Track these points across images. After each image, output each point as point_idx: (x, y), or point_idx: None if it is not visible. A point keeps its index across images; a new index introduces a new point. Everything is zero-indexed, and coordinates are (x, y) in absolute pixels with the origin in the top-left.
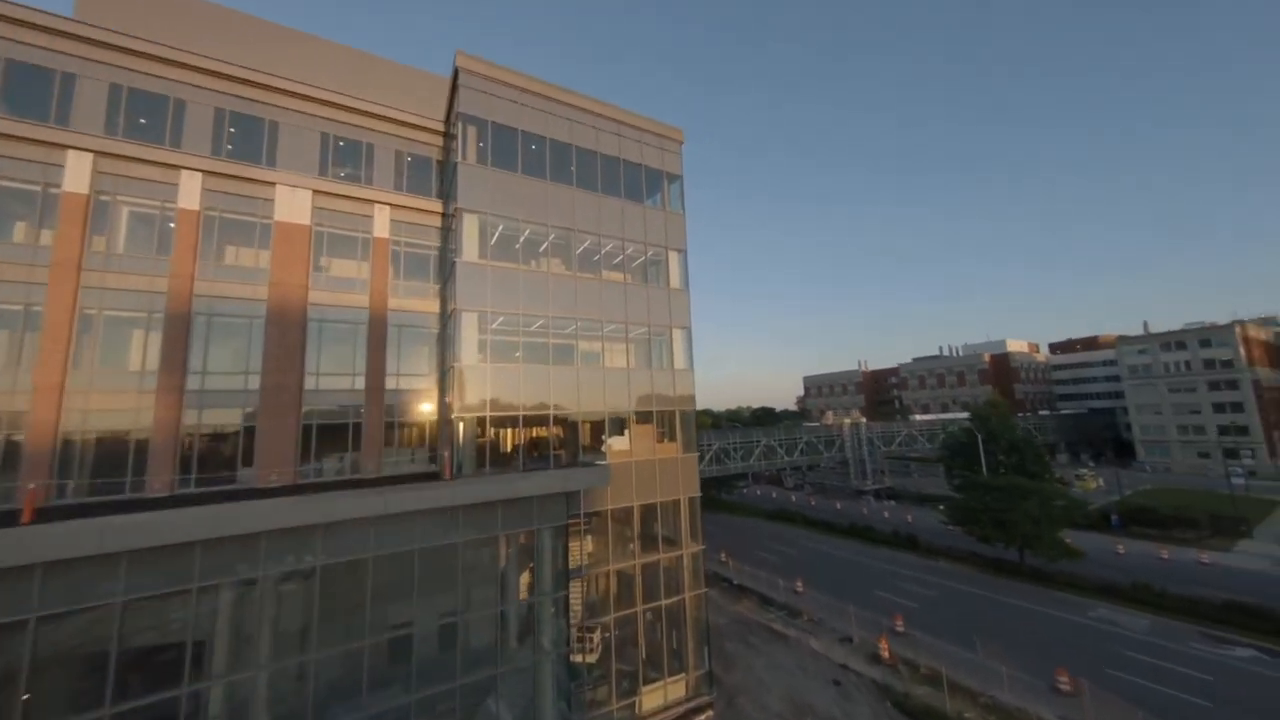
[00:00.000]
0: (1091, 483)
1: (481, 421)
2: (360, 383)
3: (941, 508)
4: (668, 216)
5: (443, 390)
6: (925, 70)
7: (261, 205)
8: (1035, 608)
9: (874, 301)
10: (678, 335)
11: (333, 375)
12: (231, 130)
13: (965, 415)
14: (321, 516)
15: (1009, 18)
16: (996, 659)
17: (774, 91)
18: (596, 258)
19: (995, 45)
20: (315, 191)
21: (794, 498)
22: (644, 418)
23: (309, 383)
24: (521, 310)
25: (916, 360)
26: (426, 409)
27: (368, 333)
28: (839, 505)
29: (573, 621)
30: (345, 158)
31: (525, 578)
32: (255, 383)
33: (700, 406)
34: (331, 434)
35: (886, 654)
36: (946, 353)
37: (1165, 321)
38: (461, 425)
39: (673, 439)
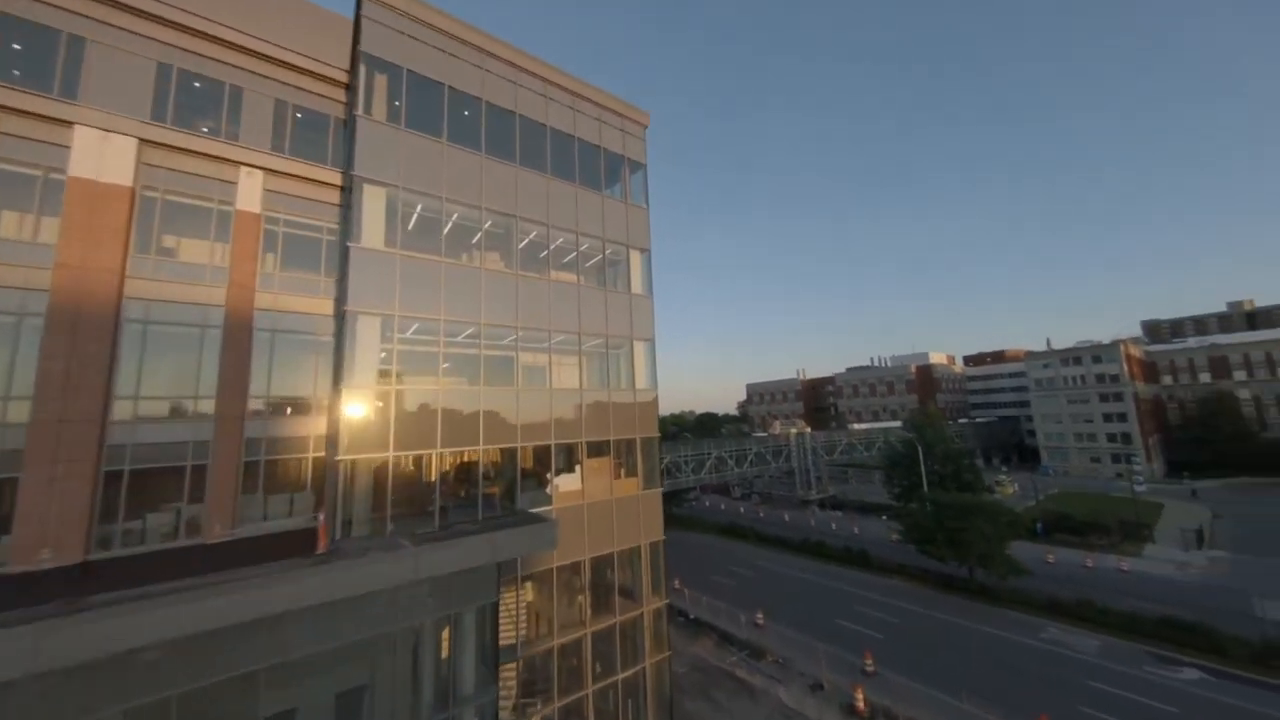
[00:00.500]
0: (1009, 488)
1: (383, 463)
2: (207, 408)
3: (895, 529)
4: (629, 210)
5: (333, 418)
6: (878, 71)
7: (51, 152)
8: (993, 631)
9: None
10: (639, 349)
11: (161, 399)
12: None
13: (898, 423)
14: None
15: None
16: (975, 702)
17: (714, 94)
18: (544, 254)
19: (982, 49)
20: (142, 141)
21: (742, 509)
22: (598, 449)
23: (120, 410)
24: (444, 315)
25: (850, 370)
26: (309, 442)
27: (222, 339)
28: (787, 517)
29: None
30: (197, 101)
31: (433, 678)
32: (27, 414)
33: None
34: (158, 481)
35: (862, 704)
36: (877, 363)
37: (1075, 333)
38: (354, 468)
39: (632, 473)
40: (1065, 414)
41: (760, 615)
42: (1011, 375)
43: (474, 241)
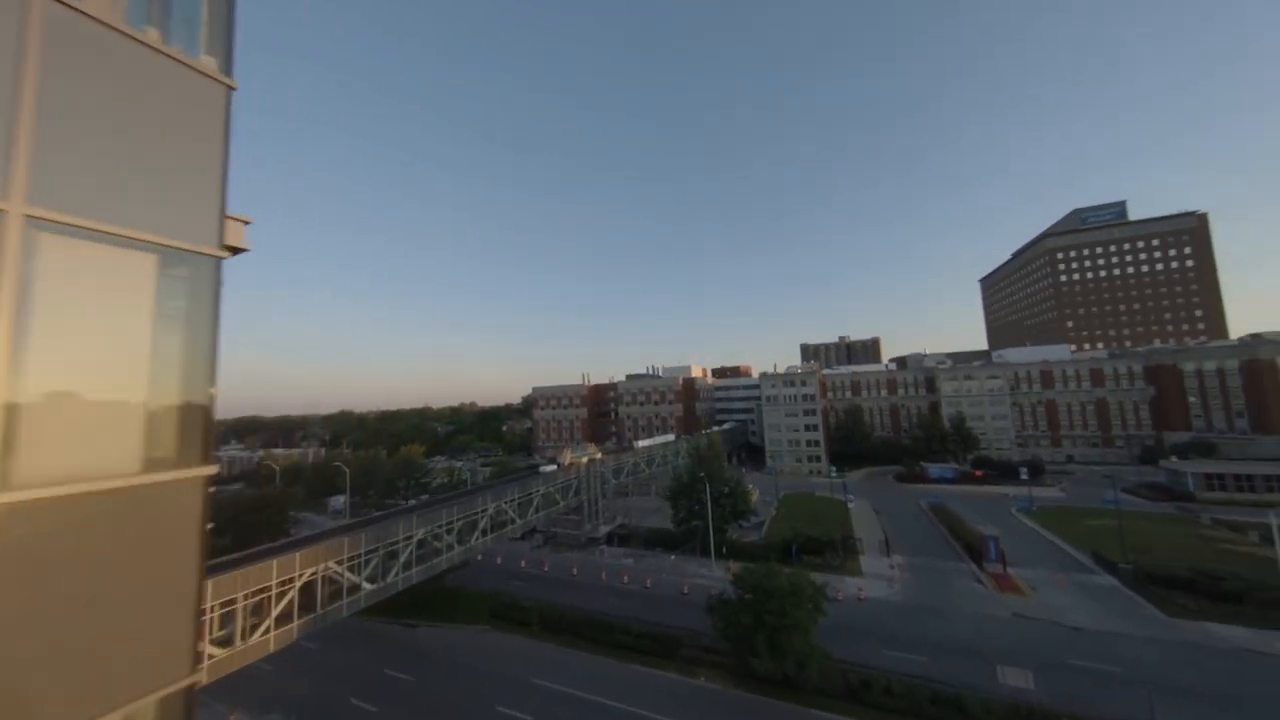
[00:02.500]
0: (754, 495)
1: None
2: None
3: (713, 619)
4: None
5: None
6: (655, 65)
7: None
8: None
9: (602, 310)
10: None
11: None
12: None
13: (671, 436)
14: None
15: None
16: None
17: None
18: None
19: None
20: None
21: (524, 561)
22: None
23: None
24: None
25: (630, 378)
26: None
27: None
28: (575, 570)
29: None
30: None
31: None
32: None
33: (418, 404)
34: None
35: None
36: (652, 372)
37: (796, 342)
38: None
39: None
40: (783, 424)
41: None
42: (745, 388)
43: None
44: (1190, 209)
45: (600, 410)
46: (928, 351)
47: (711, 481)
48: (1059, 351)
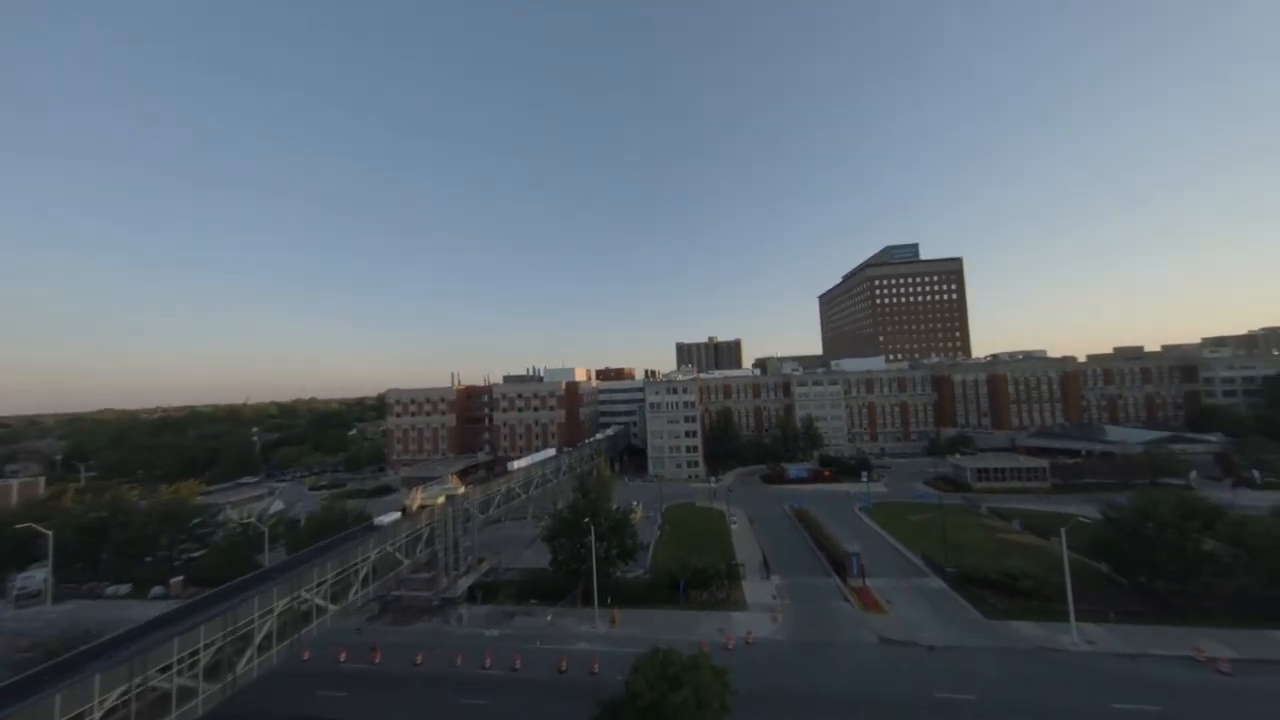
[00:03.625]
0: (638, 513)
1: None
2: None
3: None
4: None
5: None
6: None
7: None
8: None
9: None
10: None
11: None
12: None
13: (551, 452)
14: None
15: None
16: None
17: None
18: None
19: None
20: None
21: (345, 653)
22: None
23: None
24: None
25: (508, 380)
26: None
27: None
28: (420, 660)
29: None
30: None
31: None
32: None
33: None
34: None
35: None
36: (533, 374)
37: (680, 338)
38: None
39: None
40: (665, 431)
41: None
42: (628, 390)
43: None
44: (956, 254)
45: (472, 416)
46: (780, 355)
47: (596, 519)
48: (877, 363)
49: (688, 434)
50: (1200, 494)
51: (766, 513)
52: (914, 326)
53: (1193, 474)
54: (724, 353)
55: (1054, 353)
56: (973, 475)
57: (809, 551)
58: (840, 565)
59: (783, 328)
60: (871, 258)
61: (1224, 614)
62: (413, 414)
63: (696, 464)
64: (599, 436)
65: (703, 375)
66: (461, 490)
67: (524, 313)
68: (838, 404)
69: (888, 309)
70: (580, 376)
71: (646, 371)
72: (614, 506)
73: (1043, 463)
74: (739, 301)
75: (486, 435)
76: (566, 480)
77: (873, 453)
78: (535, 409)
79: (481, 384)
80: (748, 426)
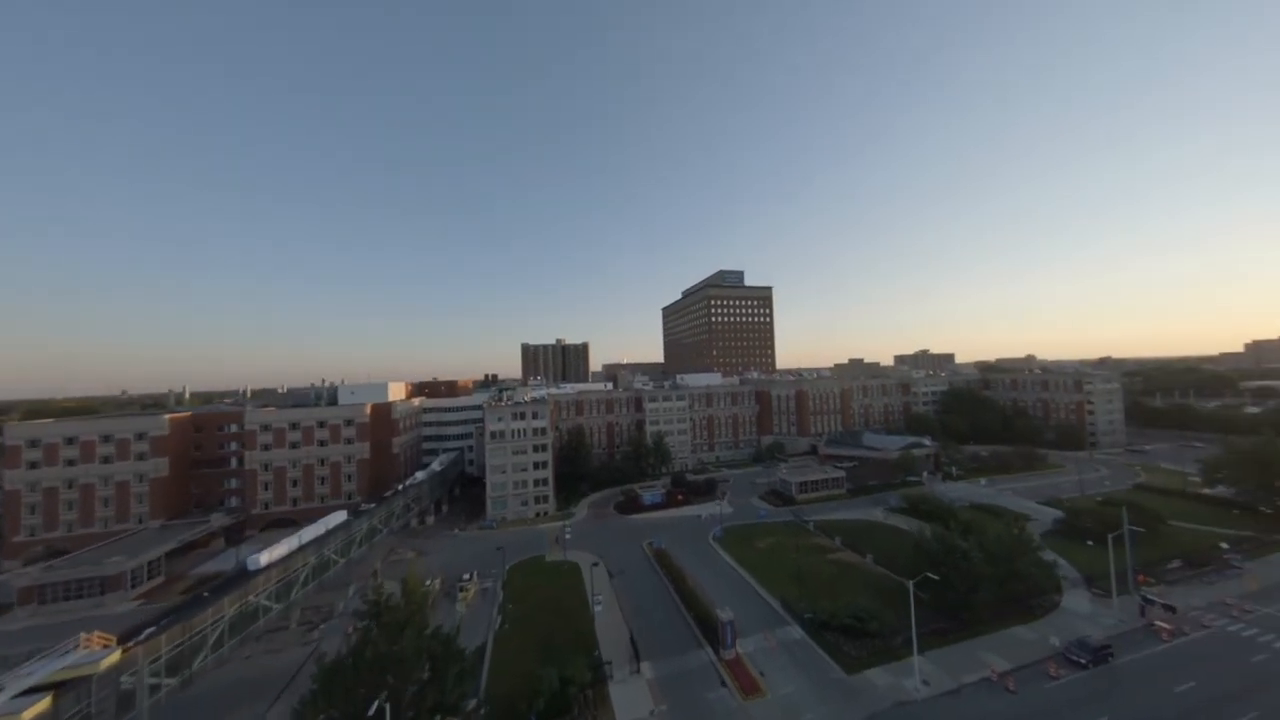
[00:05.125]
0: (471, 590)
1: None
2: None
3: None
4: None
5: None
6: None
7: None
8: None
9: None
10: None
11: None
12: None
13: (341, 516)
14: None
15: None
16: None
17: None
18: None
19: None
20: None
21: None
22: None
23: None
24: None
25: (273, 400)
26: None
27: None
28: None
29: None
30: None
31: None
32: None
33: None
34: None
35: None
36: (319, 390)
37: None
38: None
39: None
40: (510, 464)
41: None
42: (462, 409)
43: None
44: (768, 283)
45: (206, 458)
46: (626, 361)
47: (403, 670)
48: (715, 378)
49: (537, 465)
50: (932, 490)
51: (627, 558)
52: (739, 343)
53: (925, 474)
54: (572, 356)
55: (830, 361)
56: (796, 489)
57: (677, 615)
58: (710, 628)
59: (627, 332)
60: (709, 278)
61: (991, 620)
62: (75, 461)
63: (546, 498)
64: (419, 477)
65: (554, 391)
66: (118, 658)
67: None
68: (684, 418)
69: (720, 327)
70: (396, 395)
71: (486, 377)
72: (430, 630)
73: (840, 472)
74: (588, 305)
75: (234, 483)
76: (369, 555)
77: (710, 461)
78: (321, 443)
79: (226, 408)
80: (600, 444)
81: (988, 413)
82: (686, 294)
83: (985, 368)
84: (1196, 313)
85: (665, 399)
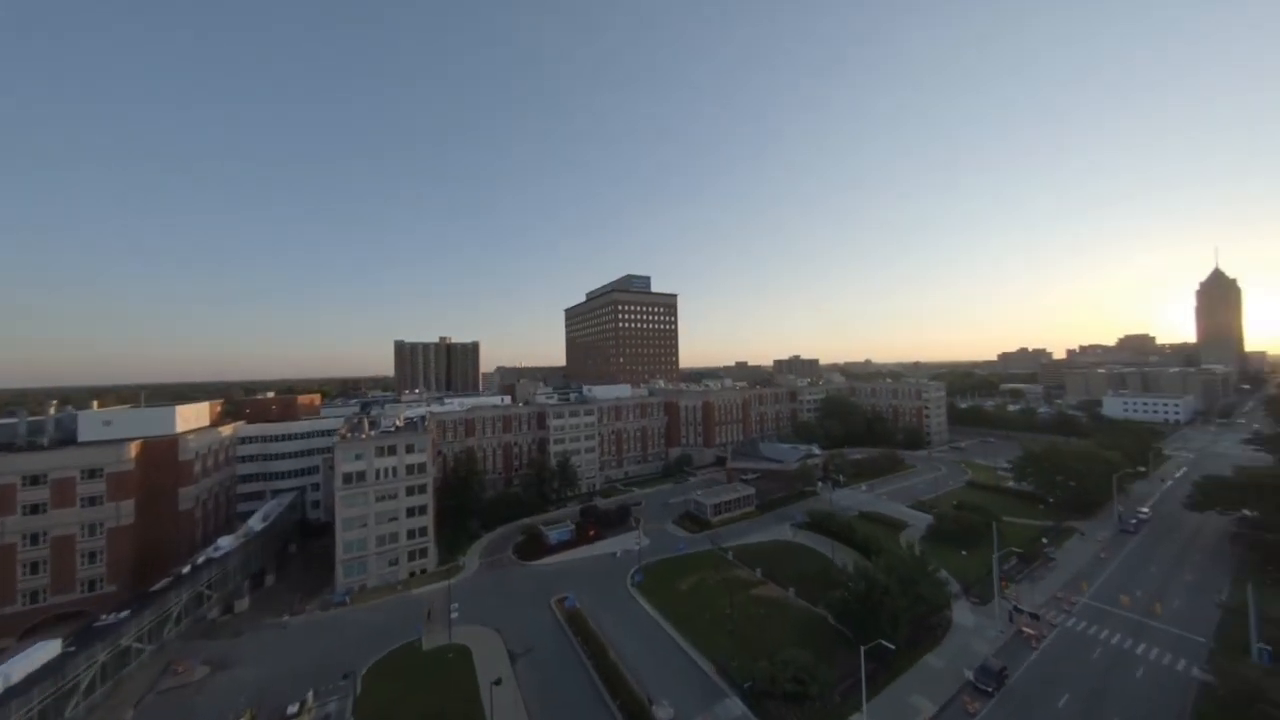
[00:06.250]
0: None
1: None
2: None
3: None
4: None
5: None
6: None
7: None
8: None
9: None
10: None
11: None
12: None
13: (53, 649)
14: None
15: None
16: None
17: None
18: None
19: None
20: None
21: None
22: None
23: None
24: None
25: None
26: None
27: None
28: None
29: None
30: None
31: None
32: None
33: None
34: None
35: None
36: (23, 424)
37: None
38: None
39: None
40: (374, 515)
41: None
42: (300, 437)
43: None
44: (673, 291)
45: None
46: (523, 365)
47: None
48: (625, 390)
49: (412, 512)
50: (828, 500)
51: (534, 626)
52: (645, 350)
53: (820, 484)
54: (459, 357)
55: (717, 363)
56: (711, 511)
57: (602, 710)
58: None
59: (522, 331)
60: (616, 283)
61: (905, 648)
62: None
63: (425, 551)
64: (225, 546)
65: (438, 410)
66: None
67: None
68: (592, 434)
69: (626, 332)
70: (197, 420)
71: (348, 385)
72: None
73: (750, 489)
74: (478, 300)
75: None
76: (122, 688)
77: (619, 479)
78: (34, 509)
79: None
80: (494, 468)
81: (855, 417)
82: (591, 296)
83: (845, 373)
84: (965, 326)
85: (573, 414)
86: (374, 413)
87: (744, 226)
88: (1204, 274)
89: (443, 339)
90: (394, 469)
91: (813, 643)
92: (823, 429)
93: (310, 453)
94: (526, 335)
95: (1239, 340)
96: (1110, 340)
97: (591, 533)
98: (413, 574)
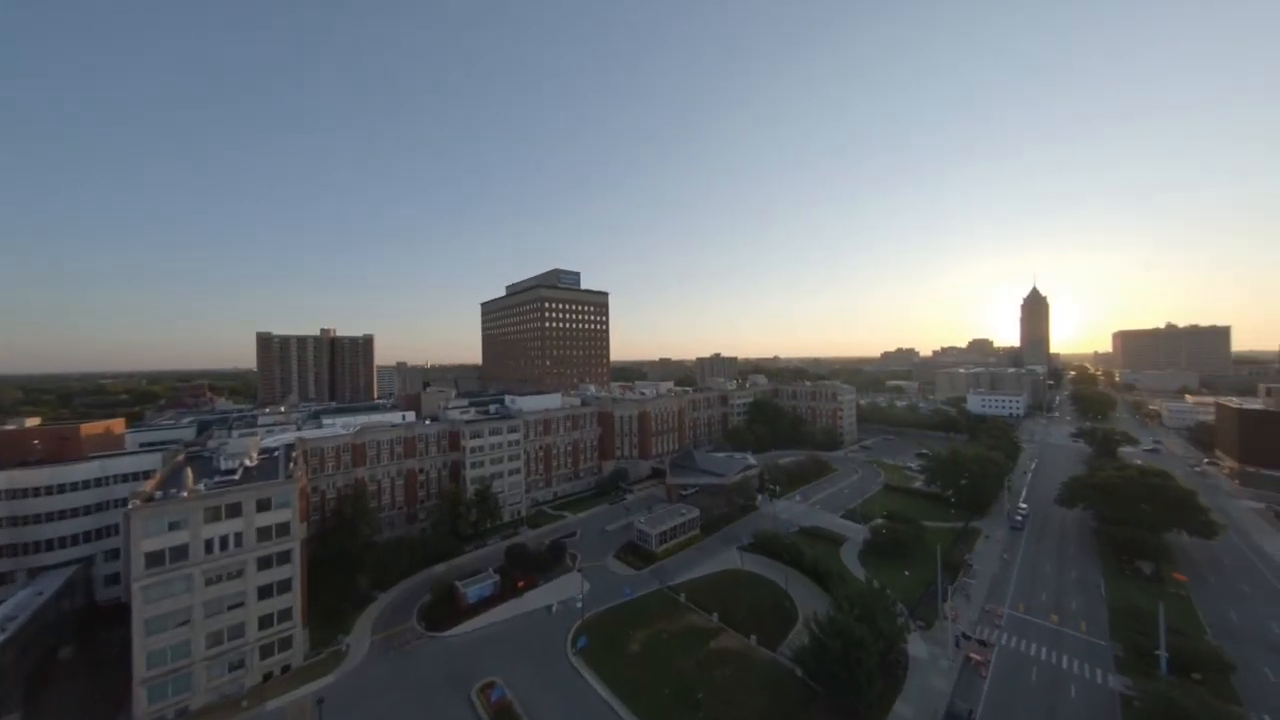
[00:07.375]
0: None
1: None
2: None
3: None
4: None
5: None
6: None
7: None
8: None
9: None
10: None
11: None
12: None
13: None
14: None
15: None
16: None
17: None
18: None
19: None
20: None
21: None
22: None
23: None
24: None
25: None
26: None
27: None
28: None
29: None
30: None
31: None
32: None
33: None
34: None
35: None
36: None
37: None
38: None
39: None
40: (198, 605)
41: None
42: (86, 486)
43: None
44: (604, 289)
45: None
46: (429, 365)
47: None
48: (555, 400)
49: (268, 591)
50: (769, 513)
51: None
52: (574, 351)
53: (759, 497)
54: (346, 353)
55: (641, 358)
56: (656, 541)
57: None
58: None
59: (434, 330)
60: (542, 277)
61: (875, 702)
62: None
63: (289, 640)
64: None
65: (310, 436)
66: None
67: None
68: (517, 455)
69: (554, 332)
70: None
71: (167, 395)
72: None
73: (694, 511)
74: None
75: None
76: None
77: (548, 501)
78: None
79: None
80: (393, 502)
81: (782, 420)
82: (513, 291)
83: (764, 371)
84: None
85: (493, 432)
86: (213, 444)
87: (662, 224)
88: (1025, 288)
89: (325, 331)
90: (237, 536)
91: (784, 706)
92: (752, 433)
93: (103, 506)
94: (434, 331)
95: (1048, 345)
96: (962, 343)
97: (520, 584)
98: (268, 675)
